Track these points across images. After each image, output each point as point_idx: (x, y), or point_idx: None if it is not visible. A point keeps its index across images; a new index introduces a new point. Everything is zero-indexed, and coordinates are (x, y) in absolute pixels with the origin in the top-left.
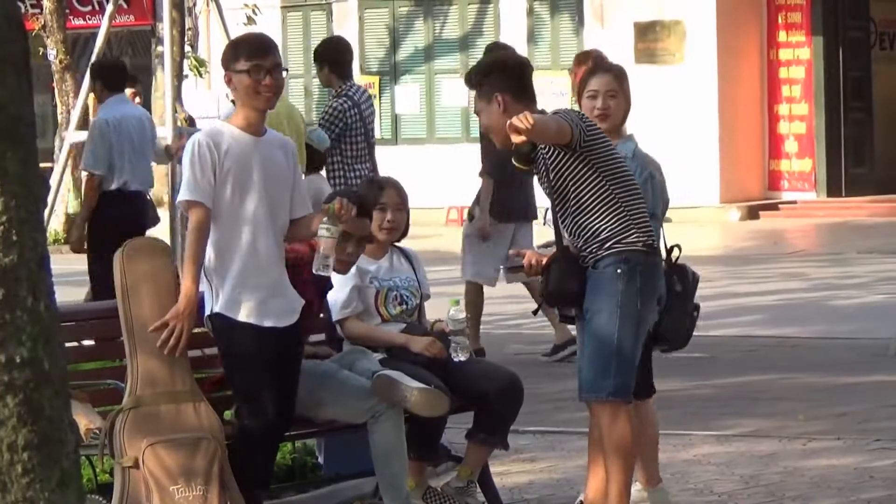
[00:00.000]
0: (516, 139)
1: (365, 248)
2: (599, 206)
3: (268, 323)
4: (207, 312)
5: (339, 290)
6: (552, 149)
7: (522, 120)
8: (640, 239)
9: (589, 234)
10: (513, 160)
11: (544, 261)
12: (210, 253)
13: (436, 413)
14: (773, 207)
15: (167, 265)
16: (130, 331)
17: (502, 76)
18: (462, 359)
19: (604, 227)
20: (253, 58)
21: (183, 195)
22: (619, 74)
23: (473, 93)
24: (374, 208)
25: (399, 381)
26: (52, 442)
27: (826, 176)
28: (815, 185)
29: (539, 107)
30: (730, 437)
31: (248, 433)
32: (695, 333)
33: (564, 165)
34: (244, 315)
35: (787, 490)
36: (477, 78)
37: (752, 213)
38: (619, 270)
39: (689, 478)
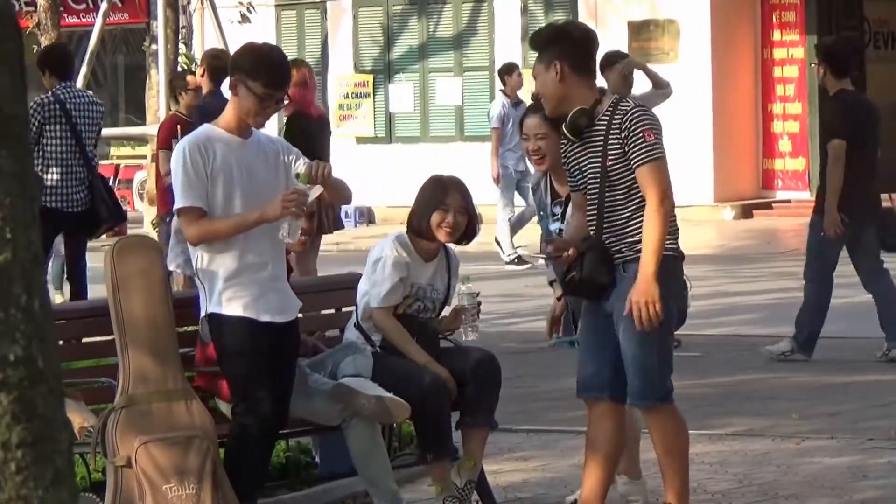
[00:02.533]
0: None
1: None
2: (636, 207)
3: (265, 318)
4: (202, 314)
5: (384, 280)
6: (615, 146)
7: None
8: (671, 244)
9: (621, 231)
10: (564, 128)
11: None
12: (202, 254)
13: (392, 420)
14: (767, 206)
15: (157, 261)
16: (121, 328)
17: (566, 45)
18: (472, 338)
19: (637, 228)
20: (270, 86)
21: (184, 202)
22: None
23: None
24: (437, 208)
25: (357, 390)
26: (46, 440)
27: (820, 175)
28: (808, 184)
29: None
30: (723, 436)
31: (245, 431)
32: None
33: (620, 166)
34: (240, 310)
35: (781, 489)
36: (540, 42)
37: (746, 212)
38: None
39: None
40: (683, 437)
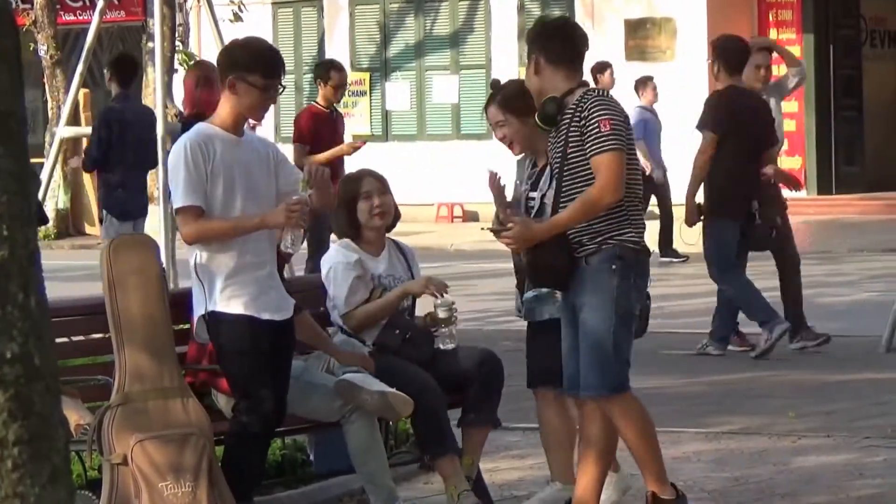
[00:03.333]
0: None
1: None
2: None
3: (266, 316)
4: (201, 312)
5: (339, 286)
6: (575, 134)
7: None
8: (634, 237)
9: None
10: (536, 118)
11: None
12: (201, 252)
13: (396, 416)
14: None
15: (153, 259)
16: (117, 325)
17: (539, 39)
18: (450, 347)
19: (599, 219)
20: (269, 76)
21: (184, 201)
22: (504, 100)
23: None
24: (358, 199)
25: (360, 385)
26: (43, 438)
27: (816, 174)
28: (805, 183)
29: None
30: (719, 435)
31: (246, 429)
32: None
33: (579, 153)
34: (241, 309)
35: (777, 487)
36: (527, 40)
37: None
38: (613, 267)
39: (678, 475)
40: (648, 421)
